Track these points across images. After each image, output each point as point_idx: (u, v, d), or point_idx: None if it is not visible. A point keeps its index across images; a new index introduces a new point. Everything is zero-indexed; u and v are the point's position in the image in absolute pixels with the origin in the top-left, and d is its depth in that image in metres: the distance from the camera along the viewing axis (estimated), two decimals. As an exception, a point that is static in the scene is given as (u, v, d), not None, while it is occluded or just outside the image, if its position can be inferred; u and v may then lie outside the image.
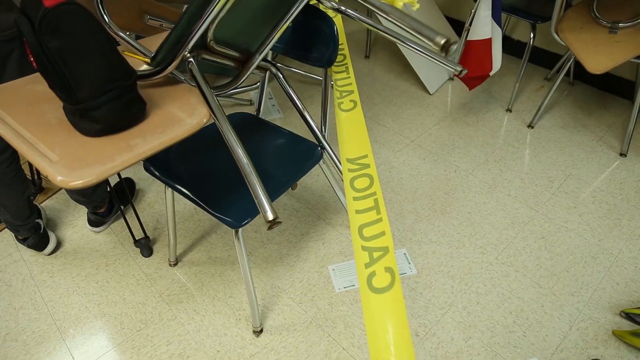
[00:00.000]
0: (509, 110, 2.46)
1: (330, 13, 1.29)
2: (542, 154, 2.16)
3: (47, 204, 1.95)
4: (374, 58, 2.91)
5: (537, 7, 2.36)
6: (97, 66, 0.83)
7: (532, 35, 2.28)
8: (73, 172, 0.81)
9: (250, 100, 2.45)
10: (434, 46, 0.71)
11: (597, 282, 1.59)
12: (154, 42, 1.27)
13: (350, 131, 1.03)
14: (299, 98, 1.34)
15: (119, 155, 0.84)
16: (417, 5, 0.73)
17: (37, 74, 1.13)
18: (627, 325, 1.47)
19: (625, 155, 2.16)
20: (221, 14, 0.95)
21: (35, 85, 1.10)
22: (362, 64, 2.83)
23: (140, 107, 0.93)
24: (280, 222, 1.30)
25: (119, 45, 1.23)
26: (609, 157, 2.15)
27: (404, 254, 1.68)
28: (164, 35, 1.31)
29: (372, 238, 0.80)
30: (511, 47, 2.94)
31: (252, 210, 1.15)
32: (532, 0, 2.50)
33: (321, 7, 1.25)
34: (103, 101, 0.84)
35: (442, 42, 0.70)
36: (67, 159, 0.84)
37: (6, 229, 1.83)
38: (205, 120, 0.93)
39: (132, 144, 0.87)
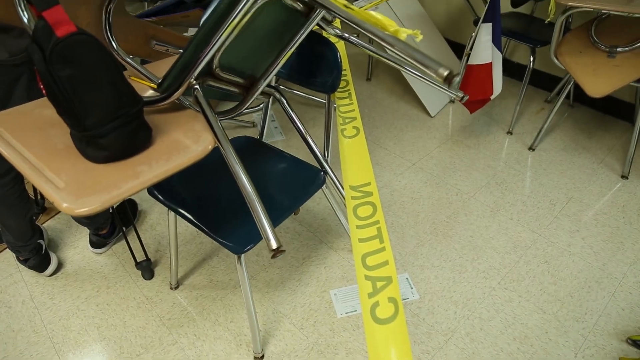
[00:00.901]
0: (509, 132, 2.47)
1: (333, 39, 1.32)
2: (543, 176, 2.17)
3: (49, 225, 1.96)
4: (376, 80, 2.95)
5: (536, 31, 2.40)
6: (105, 94, 0.84)
7: (531, 58, 2.32)
8: (79, 200, 0.81)
9: (253, 122, 2.47)
10: (437, 78, 0.72)
11: (602, 307, 1.59)
12: (159, 67, 1.29)
13: (353, 158, 1.04)
14: (301, 122, 1.36)
15: (125, 182, 0.85)
16: (421, 37, 0.74)
17: (45, 99, 1.15)
18: (634, 353, 1.45)
19: (627, 178, 2.17)
20: (227, 42, 0.97)
21: (43, 109, 1.11)
22: (364, 87, 2.86)
23: (146, 133, 0.94)
24: (284, 251, 1.30)
25: (126, 70, 1.25)
26: (611, 180, 2.16)
27: (407, 278, 1.68)
28: (170, 60, 1.33)
29: (375, 267, 0.80)
30: (511, 69, 2.98)
31: (255, 236, 1.16)
32: (531, 24, 2.54)
33: (324, 33, 1.28)
34: (110, 129, 0.86)
35: (445, 73, 0.71)
36: (73, 186, 0.85)
37: (7, 249, 1.83)
38: (210, 147, 0.94)
39: (138, 170, 0.88)
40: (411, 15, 2.71)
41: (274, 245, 0.80)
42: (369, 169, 1.02)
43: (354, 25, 0.81)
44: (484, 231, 1.88)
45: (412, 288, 1.64)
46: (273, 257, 0.80)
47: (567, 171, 2.21)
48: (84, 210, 0.80)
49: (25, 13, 0.97)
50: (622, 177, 2.19)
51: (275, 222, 1.22)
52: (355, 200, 0.96)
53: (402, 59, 0.77)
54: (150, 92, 1.17)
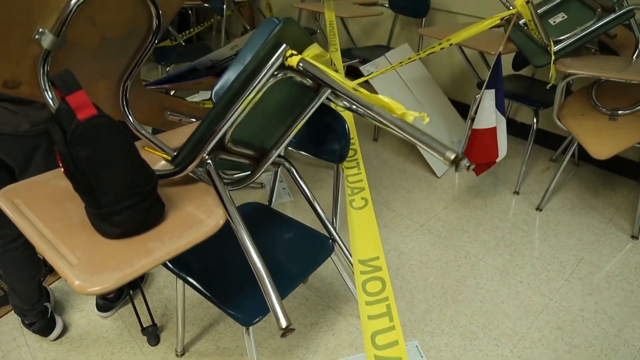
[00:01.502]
0: (516, 192, 2.49)
1: (341, 109, 1.36)
2: (552, 237, 2.16)
3: (55, 286, 1.95)
4: (382, 141, 3.00)
5: (538, 93, 2.46)
6: (121, 173, 0.87)
7: (535, 120, 2.36)
8: (92, 278, 0.83)
9: (262, 184, 2.50)
10: (444, 161, 0.74)
11: (619, 378, 1.54)
12: (172, 137, 1.33)
13: (361, 231, 1.06)
14: (309, 190, 1.38)
15: (138, 260, 0.86)
16: (427, 119, 0.77)
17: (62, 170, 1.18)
18: None
19: (637, 238, 2.15)
20: (240, 118, 1.01)
21: (60, 181, 1.14)
22: (371, 147, 2.91)
23: (160, 209, 0.96)
24: (294, 329, 1.29)
25: (140, 139, 1.29)
26: (621, 240, 2.15)
27: (416, 346, 1.65)
28: (182, 130, 1.38)
29: (385, 347, 0.79)
30: (515, 129, 3.03)
31: (264, 307, 1.15)
32: (532, 86, 2.61)
33: (332, 105, 1.32)
34: (124, 206, 0.88)
35: (452, 157, 0.73)
36: (86, 263, 0.86)
37: (12, 312, 1.82)
38: (221, 222, 0.96)
39: (151, 247, 0.89)
40: (416, 78, 2.79)
41: (284, 324, 0.80)
42: (377, 243, 1.02)
43: (363, 108, 0.85)
44: (494, 295, 1.85)
45: (422, 357, 1.60)
46: (283, 335, 0.80)
47: (575, 232, 2.20)
48: (96, 289, 0.81)
49: (49, 93, 1.02)
50: (632, 237, 2.17)
51: (284, 293, 1.22)
52: (364, 275, 0.96)
53: (410, 139, 0.79)
54: (162, 163, 1.21)
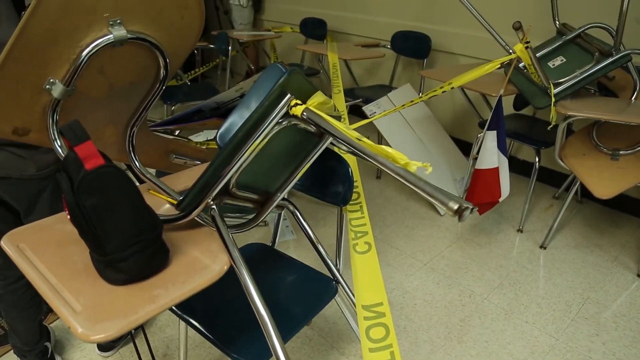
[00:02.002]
0: (520, 230, 2.48)
1: (344, 152, 1.38)
2: (557, 276, 2.14)
3: (56, 324, 1.93)
4: (385, 179, 3.02)
5: (539, 133, 2.49)
6: (127, 221, 0.88)
7: (537, 159, 2.37)
8: (95, 326, 0.82)
9: (265, 222, 2.51)
10: (447, 211, 0.75)
11: None
12: (177, 180, 1.35)
13: (365, 276, 1.05)
14: (313, 231, 1.38)
15: (142, 307, 0.86)
16: (430, 169, 0.78)
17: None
18: None
19: (643, 277, 2.13)
20: (245, 164, 1.02)
21: (65, 225, 1.15)
22: (374, 185, 2.92)
23: (164, 255, 0.97)
24: None
25: (144, 182, 1.31)
26: (627, 279, 2.12)
27: (422, 390, 1.61)
28: (187, 172, 1.39)
29: (391, 399, 0.78)
30: (518, 166, 3.04)
31: (267, 351, 1.14)
32: (533, 125, 2.64)
33: (336, 149, 1.34)
34: (129, 254, 0.88)
35: (455, 207, 0.74)
36: (90, 310, 0.86)
37: (11, 352, 1.80)
38: (226, 268, 0.96)
39: (155, 294, 0.89)
40: (418, 116, 2.83)
41: (287, 375, 0.79)
42: (381, 288, 1.02)
43: (367, 158, 0.86)
44: (500, 335, 1.82)
45: (428, 401, 1.57)
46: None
47: (581, 270, 2.18)
48: (99, 337, 0.80)
49: (58, 141, 1.04)
50: (638, 275, 2.15)
51: (287, 336, 1.21)
52: (368, 320, 0.95)
53: (414, 189, 0.80)
54: (167, 207, 1.22)
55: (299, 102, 0.95)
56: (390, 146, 0.85)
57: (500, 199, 2.12)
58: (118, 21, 1.01)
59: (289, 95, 0.94)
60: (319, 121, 0.91)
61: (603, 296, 2.02)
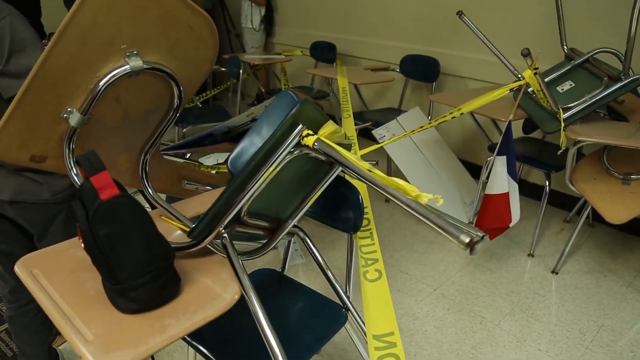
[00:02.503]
0: (531, 255, 2.45)
1: (354, 179, 1.38)
2: (570, 302, 2.11)
3: (65, 347, 1.93)
4: (394, 203, 3.00)
5: (549, 156, 2.48)
6: (140, 251, 0.89)
7: (547, 182, 2.36)
8: (106, 355, 0.82)
9: (275, 246, 2.50)
10: (458, 244, 0.75)
11: None
12: (188, 206, 1.36)
13: (376, 304, 1.05)
14: (323, 258, 1.38)
15: (152, 337, 0.86)
16: (441, 202, 0.78)
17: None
18: None
19: (659, 304, 2.10)
20: (257, 193, 1.03)
21: (77, 250, 1.15)
22: (383, 208, 2.92)
23: (176, 283, 0.97)
24: None
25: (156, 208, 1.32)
26: (642, 306, 2.09)
27: (433, 420, 1.58)
28: (198, 199, 1.40)
29: None
30: (528, 190, 3.03)
31: (277, 381, 1.13)
32: (543, 149, 2.63)
33: (347, 176, 1.34)
34: (141, 283, 0.89)
35: (467, 240, 0.74)
36: (101, 339, 0.86)
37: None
38: (237, 297, 0.96)
39: (166, 323, 0.89)
40: (427, 140, 2.84)
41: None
42: (392, 317, 1.01)
43: (377, 189, 0.87)
44: (513, 364, 1.79)
45: None
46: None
47: (594, 296, 2.15)
48: (110, 368, 0.80)
49: (74, 170, 1.06)
50: (654, 303, 2.11)
51: (296, 365, 1.20)
52: (379, 351, 0.95)
53: (425, 221, 0.80)
54: (178, 233, 1.23)
55: (310, 132, 0.96)
56: (399, 168, 0.85)
57: (511, 225, 2.10)
58: (135, 52, 1.03)
59: (300, 126, 0.95)
60: (330, 152, 0.92)
61: (618, 323, 1.98)
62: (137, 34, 1.02)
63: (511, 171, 2.01)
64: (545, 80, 2.13)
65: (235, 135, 2.03)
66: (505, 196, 2.01)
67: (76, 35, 0.94)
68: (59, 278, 1.05)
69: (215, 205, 1.03)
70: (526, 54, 1.83)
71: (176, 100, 1.16)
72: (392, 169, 3.25)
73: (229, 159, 1.38)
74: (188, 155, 2.41)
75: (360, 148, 2.17)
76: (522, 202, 2.19)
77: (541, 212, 2.42)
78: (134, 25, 0.99)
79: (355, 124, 2.83)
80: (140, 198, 1.38)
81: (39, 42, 1.23)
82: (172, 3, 1.01)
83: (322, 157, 1.09)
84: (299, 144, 0.98)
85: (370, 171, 0.87)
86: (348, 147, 1.22)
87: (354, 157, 0.90)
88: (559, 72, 2.23)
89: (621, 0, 2.35)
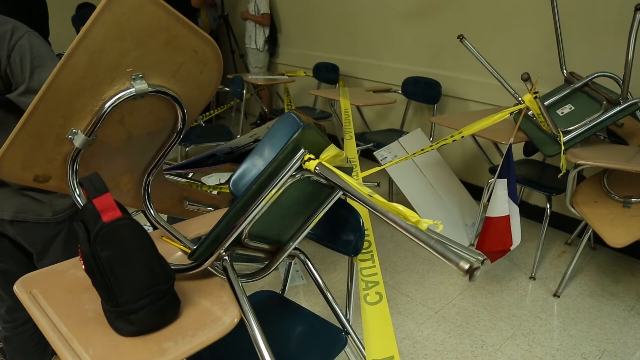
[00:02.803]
0: (532, 277, 2.44)
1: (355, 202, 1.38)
2: (572, 326, 2.09)
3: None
4: (395, 222, 3.00)
5: (550, 179, 2.48)
6: (140, 273, 0.88)
7: (548, 205, 2.36)
8: (104, 379, 0.82)
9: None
10: (458, 271, 0.75)
11: None
12: (189, 227, 1.36)
13: (376, 328, 1.04)
14: (323, 280, 1.38)
15: (150, 361, 0.85)
16: (441, 227, 0.79)
17: (79, 259, 1.20)
18: None
19: (662, 329, 2.07)
20: (258, 216, 1.03)
21: (77, 270, 1.15)
22: (384, 229, 2.91)
23: (175, 306, 0.97)
24: None
25: (157, 229, 1.32)
26: (644, 331, 2.07)
27: None
28: (199, 220, 1.41)
29: None
30: (529, 212, 3.02)
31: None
32: (544, 171, 2.64)
33: (348, 199, 1.35)
34: (141, 305, 0.88)
35: (466, 267, 0.74)
36: (99, 362, 0.86)
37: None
38: (236, 320, 0.96)
39: (164, 347, 0.89)
40: (428, 161, 2.85)
41: None
42: (392, 341, 1.00)
43: (377, 214, 0.87)
44: (514, 390, 1.77)
45: None
46: None
47: (596, 320, 2.13)
48: (107, 392, 0.80)
49: (77, 190, 1.06)
50: (656, 327, 2.09)
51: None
52: (379, 377, 0.94)
53: (425, 247, 0.80)
54: (179, 254, 1.23)
55: (312, 156, 0.96)
56: (401, 190, 0.85)
57: (512, 247, 2.10)
58: (140, 75, 1.05)
59: (302, 150, 0.96)
60: (332, 177, 0.92)
61: (621, 348, 1.96)
62: (143, 58, 1.03)
63: (512, 194, 2.01)
64: (545, 103, 2.15)
65: (237, 156, 2.04)
66: (506, 219, 2.01)
67: (83, 59, 0.96)
68: (58, 299, 1.04)
69: (217, 227, 1.03)
70: (526, 78, 1.85)
71: (180, 123, 1.17)
72: (393, 190, 3.25)
73: (231, 180, 1.39)
74: (190, 174, 2.42)
75: (362, 169, 2.17)
76: (523, 224, 2.19)
77: (542, 235, 2.41)
78: (140, 49, 1.01)
79: (357, 145, 2.84)
80: (141, 217, 1.38)
81: (56, 57, 1.24)
82: (178, 29, 1.03)
83: (324, 181, 1.10)
84: (300, 168, 0.98)
85: (371, 196, 0.87)
86: (349, 171, 1.23)
87: (355, 181, 0.91)
88: (558, 96, 2.24)
89: (619, 25, 2.38)
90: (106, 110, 1.03)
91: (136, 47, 1.00)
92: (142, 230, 0.89)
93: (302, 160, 0.96)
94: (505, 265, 2.54)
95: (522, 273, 2.48)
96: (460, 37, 2.40)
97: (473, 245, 2.71)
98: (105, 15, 0.94)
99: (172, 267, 1.00)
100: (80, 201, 1.07)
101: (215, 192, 1.90)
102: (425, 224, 0.81)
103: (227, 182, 1.87)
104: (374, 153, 2.69)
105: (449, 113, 3.29)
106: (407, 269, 2.53)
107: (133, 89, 1.04)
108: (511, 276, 2.45)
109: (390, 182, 2.76)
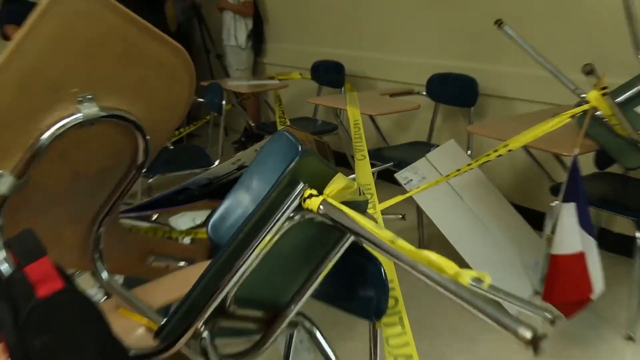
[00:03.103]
0: (630, 338, 2.35)
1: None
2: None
3: None
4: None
5: (636, 198, 2.42)
6: (89, 361, 0.86)
7: (637, 234, 2.28)
8: None
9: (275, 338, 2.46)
10: (518, 342, 0.72)
11: None
12: (155, 291, 1.34)
13: (412, 421, 1.01)
14: (336, 355, 1.35)
15: None
16: (489, 281, 0.77)
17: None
18: None
19: None
20: (247, 273, 1.01)
21: None
22: (415, 278, 2.86)
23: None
24: None
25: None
26: None
27: None
28: (168, 281, 1.39)
29: None
30: (612, 242, 2.96)
31: None
32: (626, 187, 2.58)
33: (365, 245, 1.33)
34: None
35: (529, 336, 0.71)
36: None
37: None
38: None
39: None
40: (467, 181, 2.82)
41: None
42: None
43: (403, 265, 0.85)
44: None
45: None
46: None
47: None
48: None
49: (2, 253, 1.05)
50: None
51: None
52: None
53: (469, 309, 0.78)
54: (141, 331, 1.21)
55: (314, 192, 0.95)
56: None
57: (594, 297, 2.03)
58: (89, 97, 1.04)
59: (302, 185, 0.95)
60: (341, 219, 0.91)
61: None
62: (91, 75, 1.03)
63: (584, 222, 1.96)
64: (618, 99, 2.13)
65: (217, 188, 2.03)
66: (580, 257, 1.96)
67: (12, 80, 0.95)
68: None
69: (191, 293, 1.01)
70: (589, 70, 1.84)
71: (141, 155, 1.17)
72: (424, 222, 3.22)
73: (210, 223, 1.37)
74: (155, 216, 2.40)
75: (381, 197, 2.15)
76: (605, 261, 2.11)
77: (636, 274, 2.34)
78: (88, 65, 1.01)
79: (373, 166, 2.83)
80: (87, 279, 1.36)
81: None
82: (137, 37, 1.03)
83: (330, 222, 1.08)
84: (300, 207, 0.97)
85: (393, 242, 0.86)
86: (364, 205, 1.21)
87: (371, 224, 0.89)
88: (635, 89, 2.23)
89: None
90: (43, 144, 1.03)
91: (83, 61, 1.00)
92: (91, 305, 0.87)
93: (301, 197, 0.95)
94: (589, 321, 2.47)
95: (613, 331, 2.40)
96: (499, 23, 2.41)
97: (539, 294, 2.66)
98: (42, 24, 0.94)
99: (132, 354, 0.97)
100: (6, 268, 1.05)
101: (188, 240, 1.88)
102: (467, 276, 0.78)
103: (205, 224, 1.86)
104: (395, 175, 2.67)
105: (491, 118, 3.29)
106: (451, 330, 2.47)
107: (80, 114, 1.03)
108: (598, 337, 2.38)
109: (419, 210, 2.73)
